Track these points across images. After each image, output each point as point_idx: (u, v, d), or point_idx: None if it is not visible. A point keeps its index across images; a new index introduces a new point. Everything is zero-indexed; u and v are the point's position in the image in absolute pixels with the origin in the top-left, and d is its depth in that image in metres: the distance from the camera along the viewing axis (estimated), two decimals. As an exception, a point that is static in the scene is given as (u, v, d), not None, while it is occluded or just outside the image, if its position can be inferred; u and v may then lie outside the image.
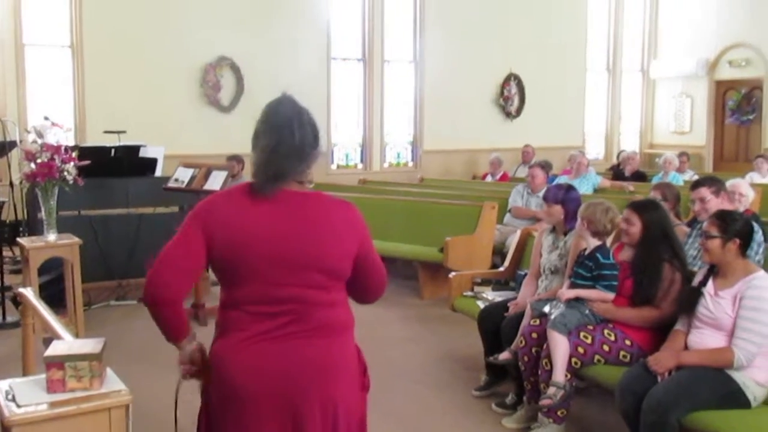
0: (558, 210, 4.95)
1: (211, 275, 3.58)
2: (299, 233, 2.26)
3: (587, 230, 4.46)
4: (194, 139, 10.39)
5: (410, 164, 13.06)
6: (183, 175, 6.95)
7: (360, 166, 12.61)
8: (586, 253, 4.46)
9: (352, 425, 2.39)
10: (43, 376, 2.38)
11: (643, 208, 4.46)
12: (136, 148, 7.84)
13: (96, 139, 8.96)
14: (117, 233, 7.43)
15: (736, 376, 3.66)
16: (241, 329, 2.30)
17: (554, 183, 6.74)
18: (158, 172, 7.93)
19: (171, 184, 7.00)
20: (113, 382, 2.43)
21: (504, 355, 4.74)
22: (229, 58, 10.80)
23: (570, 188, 5.10)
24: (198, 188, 6.73)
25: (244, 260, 2.26)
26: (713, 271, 3.91)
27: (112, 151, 7.65)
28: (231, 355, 2.30)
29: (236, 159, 8.76)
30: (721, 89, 14.60)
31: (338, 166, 12.35)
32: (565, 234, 4.95)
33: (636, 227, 4.38)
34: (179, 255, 2.28)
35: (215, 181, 6.74)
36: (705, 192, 5.03)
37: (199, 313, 6.64)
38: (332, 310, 2.33)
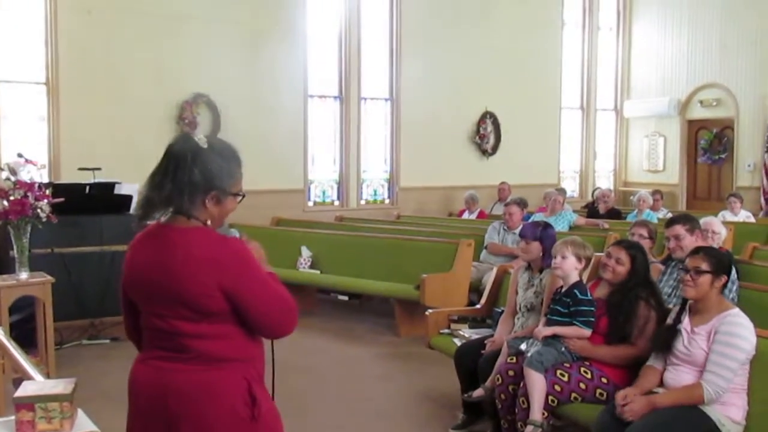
0: (536, 247, 4.98)
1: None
2: (162, 269, 2.36)
3: (581, 265, 4.48)
4: (170, 177, 10.26)
5: (387, 201, 13.07)
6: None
7: (337, 203, 12.59)
8: (564, 289, 4.48)
9: None
10: (13, 417, 2.34)
11: (634, 248, 4.50)
12: (111, 186, 7.77)
13: (70, 176, 8.87)
14: (90, 271, 7.31)
15: (712, 413, 3.66)
16: (144, 347, 2.50)
17: (530, 220, 6.78)
18: (133, 210, 7.85)
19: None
20: (85, 424, 2.40)
21: (477, 392, 4.73)
22: (205, 95, 10.78)
23: (547, 226, 5.14)
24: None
25: (131, 292, 2.49)
26: (688, 307, 3.92)
27: (87, 188, 7.57)
28: (133, 367, 2.49)
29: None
30: (693, 128, 14.79)
31: (315, 203, 12.32)
32: (541, 271, 4.97)
33: (625, 267, 4.41)
34: None
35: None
36: (680, 230, 5.07)
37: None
38: (209, 342, 2.37)
